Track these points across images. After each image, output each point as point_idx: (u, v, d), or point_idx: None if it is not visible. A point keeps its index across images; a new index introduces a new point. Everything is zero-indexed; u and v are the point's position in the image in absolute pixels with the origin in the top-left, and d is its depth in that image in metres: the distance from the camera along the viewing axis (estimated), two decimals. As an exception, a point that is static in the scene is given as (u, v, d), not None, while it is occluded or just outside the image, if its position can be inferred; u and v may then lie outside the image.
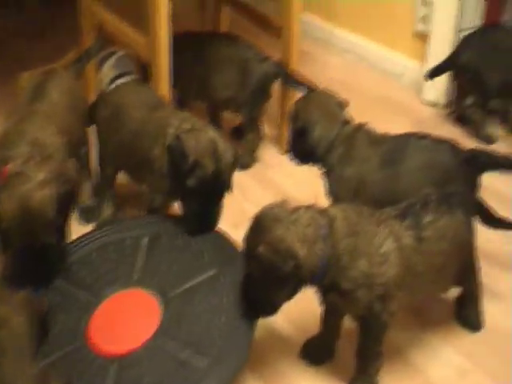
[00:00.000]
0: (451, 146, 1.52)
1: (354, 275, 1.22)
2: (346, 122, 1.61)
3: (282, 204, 1.24)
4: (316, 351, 1.41)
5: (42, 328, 1.26)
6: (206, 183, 1.43)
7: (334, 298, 1.26)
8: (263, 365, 1.41)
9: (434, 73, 2.36)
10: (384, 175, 1.52)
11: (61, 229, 1.41)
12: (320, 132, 1.59)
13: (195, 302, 1.31)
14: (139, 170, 1.64)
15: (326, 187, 1.61)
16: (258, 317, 1.28)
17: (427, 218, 1.30)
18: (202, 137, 1.46)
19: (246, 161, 2.08)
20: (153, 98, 1.68)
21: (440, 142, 1.53)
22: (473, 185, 1.53)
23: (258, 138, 2.12)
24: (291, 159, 1.69)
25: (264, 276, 1.19)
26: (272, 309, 1.25)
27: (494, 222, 1.46)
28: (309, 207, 1.24)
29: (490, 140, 2.24)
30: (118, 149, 1.69)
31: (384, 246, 1.24)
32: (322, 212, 1.24)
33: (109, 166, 1.77)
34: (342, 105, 1.66)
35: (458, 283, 1.44)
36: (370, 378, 1.32)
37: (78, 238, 1.51)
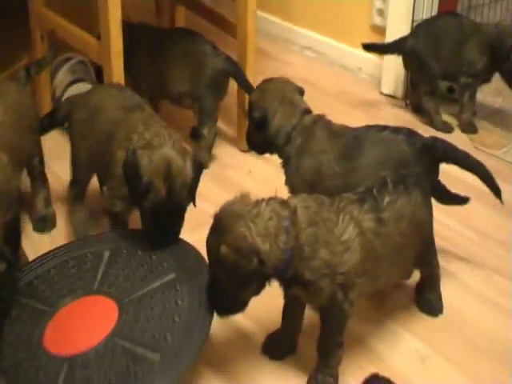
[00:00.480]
0: (408, 136, 1.52)
1: (317, 265, 1.22)
2: (306, 112, 1.59)
3: (242, 199, 1.23)
4: (278, 346, 1.41)
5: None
6: (160, 205, 1.41)
7: (298, 290, 1.26)
8: (226, 363, 1.40)
9: (372, 47, 2.42)
10: (342, 168, 1.52)
11: (9, 256, 1.39)
12: (279, 122, 1.57)
13: (151, 305, 1.31)
14: (105, 172, 1.61)
15: (284, 178, 1.61)
16: (226, 315, 1.28)
17: (385, 200, 1.31)
18: (156, 155, 1.42)
19: (202, 159, 2.07)
20: (131, 100, 1.64)
21: (397, 133, 1.53)
22: (431, 174, 1.54)
23: (214, 135, 2.10)
24: (250, 149, 1.67)
25: (229, 276, 1.19)
26: (240, 306, 1.25)
27: (449, 198, 1.48)
28: (270, 200, 1.23)
29: (446, 128, 2.27)
30: (92, 150, 1.65)
31: (345, 234, 1.24)
32: (284, 203, 1.23)
33: (81, 168, 1.73)
34: (300, 91, 1.64)
35: (418, 266, 1.45)
36: (331, 370, 1.32)
37: (36, 258, 1.50)
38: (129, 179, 1.44)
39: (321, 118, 1.59)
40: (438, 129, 2.25)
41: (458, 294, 1.58)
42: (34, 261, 1.50)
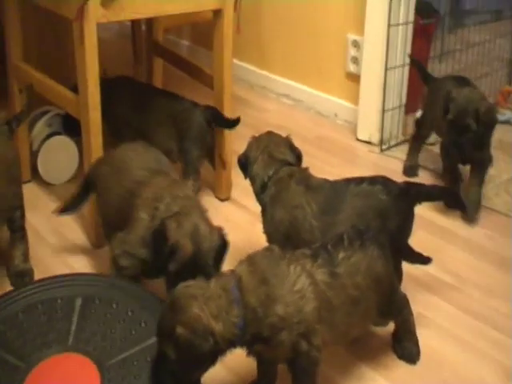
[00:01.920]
0: (384, 186, 1.55)
1: (272, 321, 1.22)
2: (285, 165, 1.62)
3: (197, 282, 1.24)
4: None
5: None
6: (185, 265, 1.42)
7: (259, 347, 1.26)
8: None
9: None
10: (321, 223, 1.53)
11: None
12: (256, 169, 1.63)
13: (134, 373, 1.28)
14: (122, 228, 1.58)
15: (262, 226, 1.63)
16: None
17: (340, 255, 1.32)
18: (184, 221, 1.45)
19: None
20: (157, 163, 1.66)
21: (374, 183, 1.55)
22: (407, 218, 1.57)
23: (198, 188, 2.14)
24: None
25: (182, 356, 1.19)
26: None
27: (413, 257, 1.51)
28: (221, 275, 1.26)
29: (410, 172, 2.30)
30: (114, 208, 1.63)
31: (298, 284, 1.25)
32: (230, 275, 1.25)
33: (109, 225, 1.68)
34: (295, 151, 1.68)
35: (385, 316, 1.45)
36: None
37: (1, 295, 1.45)
38: (156, 245, 1.45)
39: (299, 172, 1.62)
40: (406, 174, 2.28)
41: (436, 339, 1.58)
42: (-1, 297, 1.43)
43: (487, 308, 1.69)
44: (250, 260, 1.28)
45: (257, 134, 1.70)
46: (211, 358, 1.22)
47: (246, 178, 1.69)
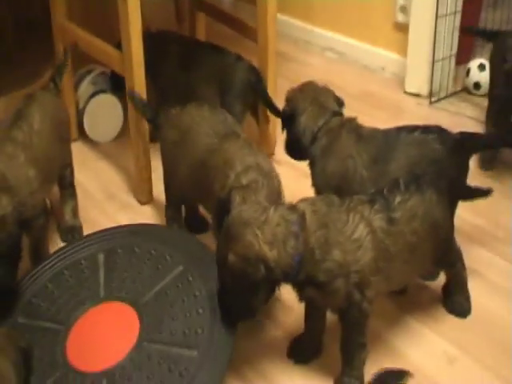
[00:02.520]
0: (439, 134, 1.51)
1: (329, 266, 1.21)
2: (335, 115, 1.58)
3: (252, 205, 1.23)
4: (302, 349, 1.40)
5: (25, 367, 1.20)
6: None
7: (312, 292, 1.25)
8: (252, 367, 1.40)
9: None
10: (372, 173, 1.50)
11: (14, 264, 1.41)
12: (306, 120, 1.57)
13: (169, 302, 1.31)
14: (205, 199, 1.58)
15: (311, 179, 1.61)
16: (238, 322, 1.28)
17: (397, 200, 1.30)
18: (249, 197, 1.38)
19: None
20: (224, 126, 1.58)
21: (428, 132, 1.51)
22: (463, 169, 1.53)
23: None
24: (287, 155, 1.67)
25: (237, 284, 1.19)
26: (251, 312, 1.25)
27: (471, 193, 1.47)
28: (279, 205, 1.24)
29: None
30: (186, 176, 1.60)
31: (356, 233, 1.24)
32: (292, 208, 1.23)
33: (176, 191, 1.69)
34: (338, 100, 1.65)
35: (439, 266, 1.43)
36: (356, 372, 1.30)
37: (25, 274, 1.47)
38: (219, 215, 1.42)
39: (350, 121, 1.58)
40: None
41: (486, 293, 1.55)
42: (24, 277, 1.46)
43: (541, 262, 1.64)
44: (312, 201, 1.27)
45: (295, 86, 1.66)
46: (268, 287, 1.21)
47: (283, 130, 1.64)
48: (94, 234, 1.55)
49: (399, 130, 1.54)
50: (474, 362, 1.39)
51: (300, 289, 1.26)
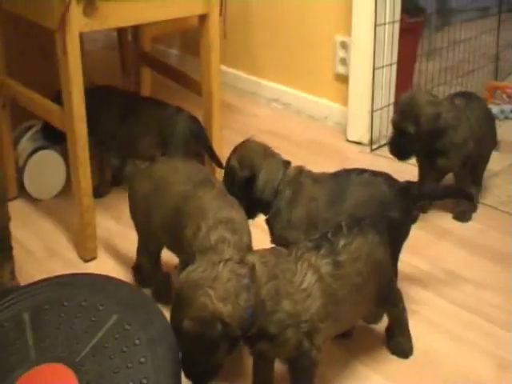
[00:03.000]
0: (387, 178, 1.57)
1: (280, 317, 1.22)
2: (287, 165, 1.60)
3: (199, 264, 1.24)
4: None
5: None
6: None
7: (263, 344, 1.25)
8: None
9: None
10: (330, 214, 1.53)
11: None
12: (266, 177, 1.57)
13: (108, 355, 1.25)
14: (176, 248, 1.57)
15: (273, 233, 1.60)
16: (205, 383, 1.26)
17: (341, 243, 1.32)
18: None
19: None
20: (199, 174, 1.58)
21: (376, 175, 1.57)
22: (408, 214, 1.58)
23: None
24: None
25: (197, 346, 1.19)
26: (214, 371, 1.24)
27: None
28: (228, 260, 1.25)
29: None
30: (160, 225, 1.58)
31: (305, 282, 1.25)
32: (242, 262, 1.24)
33: (152, 243, 1.66)
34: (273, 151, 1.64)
35: (381, 306, 1.45)
36: None
37: None
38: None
39: (302, 168, 1.61)
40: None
41: (429, 334, 1.57)
42: None
43: (479, 301, 1.68)
44: (261, 253, 1.28)
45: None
46: (227, 343, 1.20)
47: (244, 198, 1.57)
48: (17, 289, 1.46)
49: (349, 171, 1.59)
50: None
51: (252, 343, 1.26)
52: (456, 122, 1.98)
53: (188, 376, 1.25)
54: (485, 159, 2.11)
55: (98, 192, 2.18)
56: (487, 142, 2.10)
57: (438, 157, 1.99)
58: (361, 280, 1.33)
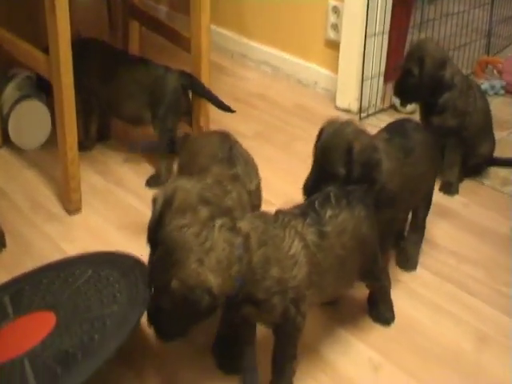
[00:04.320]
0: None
1: (269, 284, 1.21)
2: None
3: (191, 224, 1.20)
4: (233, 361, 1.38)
5: None
6: None
7: (249, 309, 1.24)
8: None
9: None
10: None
11: None
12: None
13: (85, 295, 1.33)
14: None
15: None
16: (171, 340, 1.25)
17: (328, 214, 1.31)
18: None
19: (163, 178, 2.06)
20: (222, 152, 1.52)
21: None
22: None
23: (175, 154, 2.10)
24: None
25: (178, 309, 1.17)
26: (185, 333, 1.23)
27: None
28: (222, 226, 1.21)
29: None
30: None
31: (292, 248, 1.24)
32: (235, 230, 1.21)
33: None
34: None
35: (364, 279, 1.46)
36: (286, 382, 1.31)
37: None
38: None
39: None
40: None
41: (410, 303, 1.59)
42: None
43: (462, 274, 1.70)
44: (250, 218, 1.26)
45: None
46: (207, 312, 1.19)
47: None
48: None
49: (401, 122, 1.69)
50: (397, 368, 1.42)
51: (237, 308, 1.25)
52: (463, 86, 2.00)
53: (157, 330, 1.22)
54: (477, 146, 2.07)
55: (84, 146, 2.14)
56: (486, 133, 2.10)
57: (436, 115, 2.00)
58: (344, 253, 1.33)
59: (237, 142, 1.58)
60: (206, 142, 1.59)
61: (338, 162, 1.44)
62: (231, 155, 1.50)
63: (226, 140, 1.58)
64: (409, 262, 1.70)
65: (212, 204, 1.25)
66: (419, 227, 1.71)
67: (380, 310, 1.52)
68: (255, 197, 1.52)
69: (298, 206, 1.33)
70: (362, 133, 1.50)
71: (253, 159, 1.57)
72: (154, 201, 1.33)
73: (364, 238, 1.38)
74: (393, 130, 1.62)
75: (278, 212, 1.30)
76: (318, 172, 1.48)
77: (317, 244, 1.28)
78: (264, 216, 1.29)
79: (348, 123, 1.51)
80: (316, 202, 1.33)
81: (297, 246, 1.25)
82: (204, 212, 1.23)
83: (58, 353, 1.19)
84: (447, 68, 1.97)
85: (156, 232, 1.27)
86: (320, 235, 1.29)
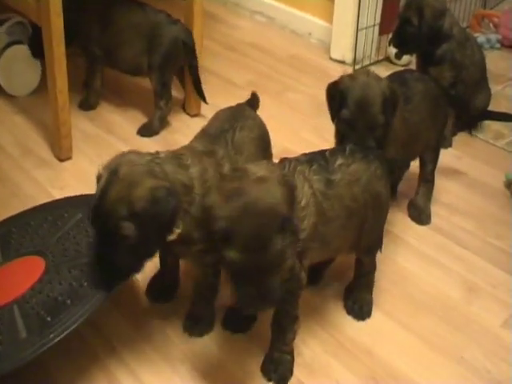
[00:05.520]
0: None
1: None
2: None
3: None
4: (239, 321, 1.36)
5: None
6: None
7: None
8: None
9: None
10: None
11: None
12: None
13: (73, 239, 1.33)
14: None
15: None
16: (126, 278, 1.21)
17: (337, 162, 1.26)
18: None
19: (155, 128, 2.04)
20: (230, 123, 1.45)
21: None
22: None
23: (170, 108, 2.07)
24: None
25: (148, 229, 1.12)
26: (139, 266, 1.18)
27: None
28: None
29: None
30: None
31: (303, 199, 1.18)
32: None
33: None
34: None
35: (360, 249, 1.37)
36: (288, 346, 1.26)
37: None
38: None
39: None
40: None
41: (402, 254, 1.61)
42: None
43: (453, 225, 1.72)
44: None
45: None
46: (173, 221, 1.15)
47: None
48: None
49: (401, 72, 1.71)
50: (388, 317, 1.44)
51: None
52: (461, 37, 1.97)
53: (104, 273, 1.18)
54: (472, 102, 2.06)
55: (88, 103, 2.11)
56: (482, 86, 2.08)
57: (433, 66, 1.97)
58: (355, 206, 1.26)
59: (246, 125, 1.47)
60: (222, 115, 1.51)
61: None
62: (222, 134, 1.42)
63: (234, 119, 1.48)
64: (421, 216, 1.72)
65: (158, 178, 1.18)
66: (428, 180, 1.74)
67: (357, 301, 1.43)
68: None
69: (306, 154, 1.27)
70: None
71: (255, 152, 1.45)
72: (99, 178, 1.21)
73: (378, 195, 1.30)
74: (393, 79, 1.61)
75: (284, 159, 1.24)
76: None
77: (323, 192, 1.21)
78: (270, 165, 1.19)
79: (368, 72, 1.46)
80: (327, 152, 1.28)
81: (307, 194, 1.18)
82: (149, 183, 1.16)
83: (47, 300, 1.20)
84: (446, 18, 1.94)
85: (100, 211, 1.16)
86: (326, 183, 1.22)
